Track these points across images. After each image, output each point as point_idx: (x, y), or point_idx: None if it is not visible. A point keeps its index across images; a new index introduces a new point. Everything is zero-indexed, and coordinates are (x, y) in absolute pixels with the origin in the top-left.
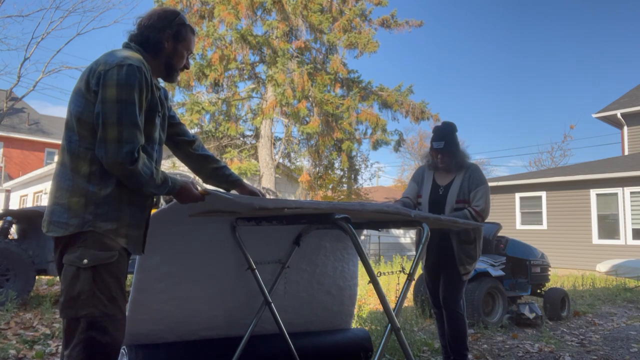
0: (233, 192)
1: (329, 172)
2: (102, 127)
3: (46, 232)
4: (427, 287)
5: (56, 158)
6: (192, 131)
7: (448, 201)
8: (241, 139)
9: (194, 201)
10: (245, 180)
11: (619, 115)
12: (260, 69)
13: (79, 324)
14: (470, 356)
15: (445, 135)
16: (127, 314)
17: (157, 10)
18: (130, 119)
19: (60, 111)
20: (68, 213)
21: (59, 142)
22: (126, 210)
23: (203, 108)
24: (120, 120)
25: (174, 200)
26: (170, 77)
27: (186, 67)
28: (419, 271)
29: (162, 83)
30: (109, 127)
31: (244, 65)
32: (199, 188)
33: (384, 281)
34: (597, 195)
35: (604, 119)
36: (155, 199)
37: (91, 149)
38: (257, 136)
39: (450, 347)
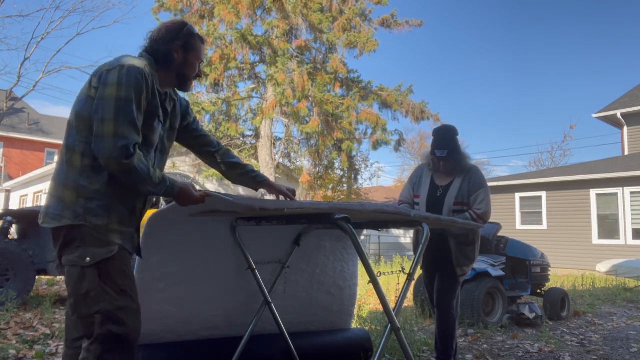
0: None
1: (329, 172)
2: (99, 122)
3: (41, 224)
4: (426, 287)
5: (56, 158)
6: None
7: (446, 202)
8: (241, 139)
9: (194, 203)
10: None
11: (619, 115)
12: (260, 68)
13: (94, 320)
14: (469, 356)
15: (447, 143)
16: None
17: (165, 24)
18: (127, 116)
19: (60, 111)
20: (61, 205)
21: (59, 142)
22: (117, 207)
23: (203, 108)
24: (117, 117)
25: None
26: (183, 86)
27: (199, 75)
28: (419, 271)
29: (180, 94)
30: (106, 123)
31: (244, 65)
32: (198, 188)
33: (384, 281)
34: (597, 195)
35: (604, 119)
36: (155, 199)
37: (85, 142)
38: (257, 136)
39: (437, 346)
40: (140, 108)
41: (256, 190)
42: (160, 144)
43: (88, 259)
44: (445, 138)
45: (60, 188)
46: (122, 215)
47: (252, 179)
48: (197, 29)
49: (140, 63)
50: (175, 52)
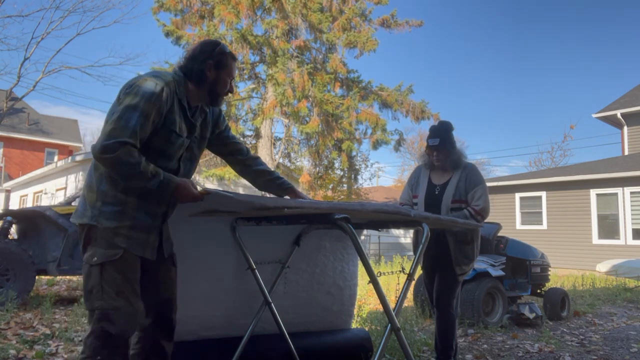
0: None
1: (329, 172)
2: (104, 124)
3: (71, 219)
4: (425, 287)
5: (56, 158)
6: None
7: (444, 201)
8: (241, 139)
9: (193, 201)
10: (246, 182)
11: (619, 115)
12: (261, 69)
13: (93, 315)
14: (469, 356)
15: (441, 133)
16: None
17: (200, 43)
18: (127, 122)
19: (60, 111)
20: (85, 205)
21: (59, 142)
22: (130, 214)
23: None
24: (119, 120)
25: None
26: (214, 102)
27: (230, 91)
28: (419, 271)
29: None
30: (107, 124)
31: (244, 65)
32: (199, 187)
33: (384, 281)
34: (597, 195)
35: (604, 119)
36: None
37: None
38: (257, 136)
39: (436, 346)
40: (148, 118)
41: (281, 196)
42: (189, 152)
43: (95, 258)
44: (439, 130)
45: (87, 189)
46: (135, 222)
47: (278, 185)
48: (228, 49)
49: (162, 80)
50: (208, 70)
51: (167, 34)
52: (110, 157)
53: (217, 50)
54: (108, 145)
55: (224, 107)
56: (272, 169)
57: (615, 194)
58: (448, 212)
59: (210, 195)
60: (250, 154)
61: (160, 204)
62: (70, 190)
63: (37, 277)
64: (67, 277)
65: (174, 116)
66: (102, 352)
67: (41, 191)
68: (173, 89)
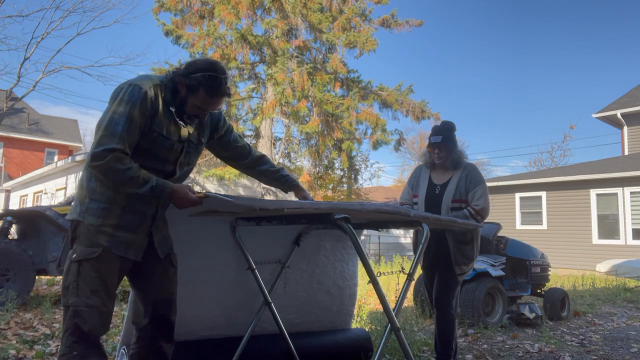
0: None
1: (329, 172)
2: (96, 131)
3: (66, 217)
4: (425, 287)
5: (56, 158)
6: None
7: (444, 200)
8: None
9: (191, 205)
10: (246, 182)
11: (619, 115)
12: (260, 68)
13: (68, 311)
14: (469, 356)
15: (443, 131)
16: (127, 313)
17: (194, 59)
18: (115, 128)
19: (60, 111)
20: (76, 202)
21: (59, 142)
22: (117, 212)
23: None
24: (107, 127)
25: None
26: (178, 115)
27: (198, 117)
28: (419, 271)
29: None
30: (98, 132)
31: (244, 65)
32: (197, 189)
33: (384, 281)
34: (597, 195)
35: (604, 119)
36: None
37: None
38: (257, 136)
39: (436, 346)
40: (134, 123)
41: (286, 192)
42: (186, 157)
43: (75, 255)
44: (442, 128)
45: (79, 187)
46: (121, 220)
47: (283, 183)
48: (228, 80)
49: (146, 84)
50: (180, 86)
51: (167, 33)
52: (100, 164)
53: (198, 76)
54: (97, 153)
55: (224, 107)
56: (277, 166)
57: (615, 194)
58: (448, 211)
59: (209, 199)
60: (252, 155)
61: (150, 204)
62: (70, 190)
63: (37, 277)
64: None
65: (160, 119)
66: (78, 347)
67: (41, 191)
68: (158, 93)
